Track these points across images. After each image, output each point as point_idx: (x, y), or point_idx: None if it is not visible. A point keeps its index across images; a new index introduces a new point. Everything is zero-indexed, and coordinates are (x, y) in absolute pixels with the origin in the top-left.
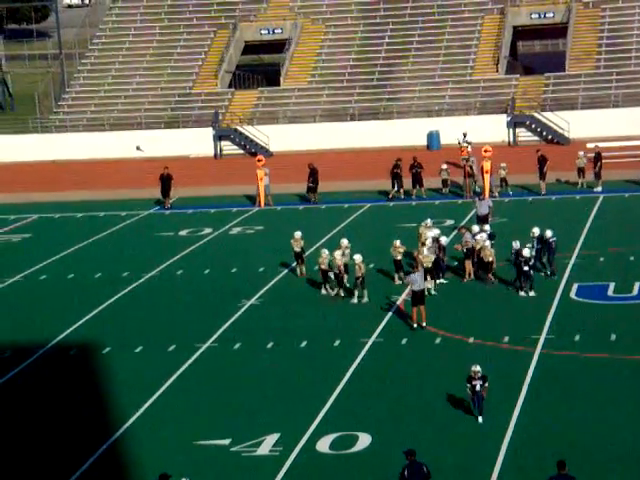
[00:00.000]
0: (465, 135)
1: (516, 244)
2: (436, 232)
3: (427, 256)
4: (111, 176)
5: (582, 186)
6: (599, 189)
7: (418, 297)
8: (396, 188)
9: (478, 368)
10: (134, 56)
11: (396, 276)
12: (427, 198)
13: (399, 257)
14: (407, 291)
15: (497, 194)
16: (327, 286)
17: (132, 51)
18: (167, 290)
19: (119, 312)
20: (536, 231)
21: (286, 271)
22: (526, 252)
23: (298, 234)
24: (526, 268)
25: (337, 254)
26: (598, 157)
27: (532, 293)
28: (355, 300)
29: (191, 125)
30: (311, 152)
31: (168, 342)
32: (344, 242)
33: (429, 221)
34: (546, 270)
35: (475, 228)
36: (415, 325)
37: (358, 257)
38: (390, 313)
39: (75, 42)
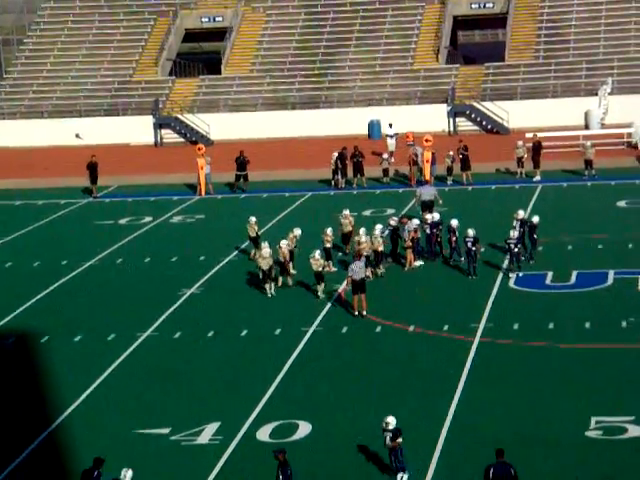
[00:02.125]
0: (391, 126)
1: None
2: (415, 222)
3: (365, 243)
4: (50, 164)
5: (521, 175)
6: (538, 178)
7: (358, 286)
8: (339, 176)
9: (389, 419)
10: (73, 43)
11: (325, 263)
12: (368, 187)
13: (328, 245)
14: (347, 280)
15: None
16: (267, 285)
17: (71, 38)
18: (107, 279)
19: (58, 301)
20: (520, 213)
21: (227, 260)
22: (512, 234)
23: (253, 219)
24: (515, 250)
25: (283, 243)
26: (538, 146)
27: (521, 274)
28: (320, 293)
29: (131, 113)
30: (252, 141)
31: (108, 331)
32: (297, 232)
33: (347, 212)
34: (526, 254)
35: (415, 221)
36: (356, 313)
37: (283, 242)
38: (331, 302)
39: (13, 28)
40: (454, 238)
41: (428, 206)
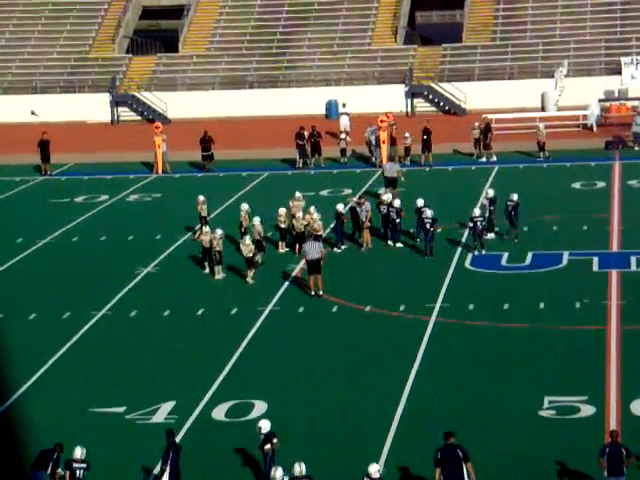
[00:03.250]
0: (344, 105)
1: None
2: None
3: (317, 222)
4: (5, 141)
5: (477, 157)
6: (493, 159)
7: (313, 266)
8: (298, 156)
9: (262, 423)
10: (29, 19)
11: (279, 244)
12: (325, 167)
13: (283, 225)
14: (302, 261)
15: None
16: (207, 264)
17: (27, 14)
18: (62, 257)
19: (13, 279)
20: (490, 192)
21: (183, 239)
22: (477, 211)
23: (201, 198)
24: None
25: (256, 220)
26: (487, 128)
27: (484, 252)
28: (250, 279)
29: (88, 90)
30: (209, 120)
31: (63, 309)
32: (244, 206)
33: (298, 194)
34: (493, 232)
35: (386, 197)
36: (312, 293)
37: (218, 231)
38: (287, 282)
39: None
40: (398, 220)
41: (391, 182)
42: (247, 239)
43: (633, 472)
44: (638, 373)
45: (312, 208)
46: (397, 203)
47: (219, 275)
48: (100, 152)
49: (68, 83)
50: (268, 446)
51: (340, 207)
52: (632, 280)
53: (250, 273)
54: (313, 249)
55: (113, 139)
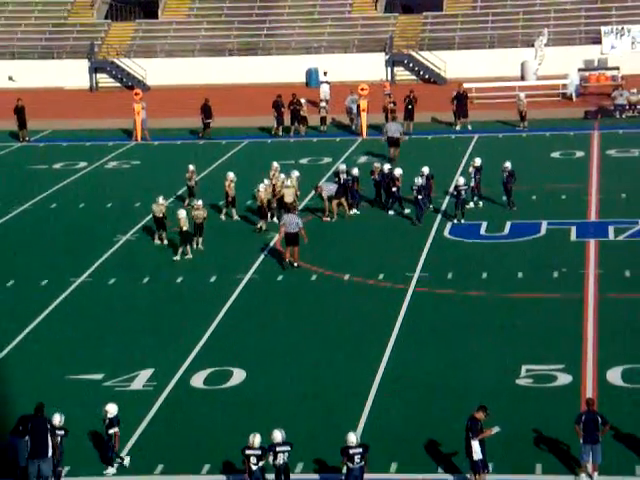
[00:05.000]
0: (325, 74)
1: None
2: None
3: (293, 188)
4: None
5: (457, 126)
6: (469, 128)
7: (291, 239)
8: (275, 124)
9: (108, 407)
10: None
11: (258, 222)
12: (305, 135)
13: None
14: (280, 232)
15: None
16: (183, 248)
17: None
18: (41, 224)
19: None
20: (477, 161)
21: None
22: (461, 180)
23: (191, 167)
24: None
25: (261, 187)
26: (463, 96)
27: (463, 220)
28: (177, 257)
29: (66, 56)
30: (188, 87)
31: (41, 276)
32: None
33: (275, 164)
34: (477, 201)
35: (386, 167)
36: (286, 262)
37: (182, 212)
38: (266, 251)
39: None
40: (394, 188)
41: (394, 142)
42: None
43: (608, 440)
44: (614, 342)
45: (294, 174)
46: (397, 172)
47: (200, 246)
48: (79, 119)
49: (46, 49)
50: (114, 430)
51: (355, 171)
52: (610, 249)
53: (184, 249)
54: (291, 222)
55: (92, 106)
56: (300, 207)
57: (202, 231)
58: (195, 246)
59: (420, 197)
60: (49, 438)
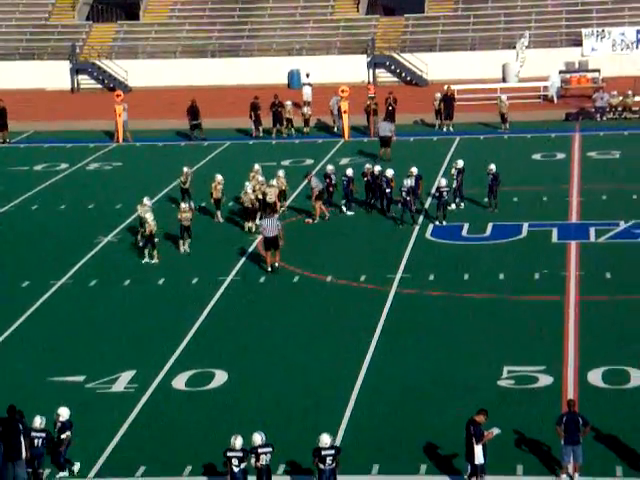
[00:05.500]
0: (308, 75)
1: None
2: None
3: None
4: None
5: (439, 128)
6: (452, 130)
7: (270, 243)
8: (253, 126)
9: (60, 411)
10: None
11: (246, 224)
12: (287, 137)
13: (249, 204)
14: (260, 237)
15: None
16: (147, 253)
17: None
18: (21, 226)
19: None
20: (459, 163)
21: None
22: (443, 182)
23: (186, 170)
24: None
25: (249, 189)
26: (450, 98)
27: (444, 222)
28: (147, 259)
29: (47, 58)
30: (170, 88)
31: (22, 278)
32: (218, 177)
33: (257, 166)
34: (458, 202)
35: (377, 168)
36: (269, 269)
37: (149, 216)
38: (248, 252)
39: None
40: (388, 190)
41: (385, 141)
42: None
43: (589, 441)
44: (595, 343)
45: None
46: (390, 173)
47: (186, 247)
48: (60, 120)
49: (27, 50)
50: (66, 434)
51: (349, 171)
52: (591, 251)
53: (153, 253)
54: (271, 226)
55: (73, 107)
56: (286, 204)
57: (189, 233)
58: (182, 248)
59: (408, 198)
60: (22, 440)
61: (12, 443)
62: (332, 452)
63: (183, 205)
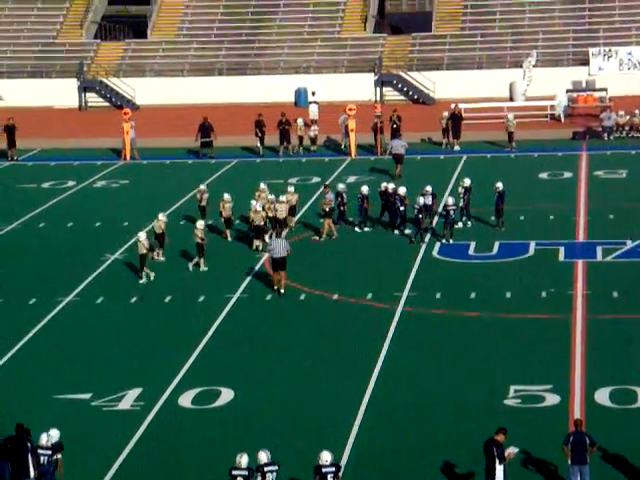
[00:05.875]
0: (314, 94)
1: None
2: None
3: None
4: None
5: (446, 146)
6: (457, 148)
7: (277, 264)
8: (258, 143)
9: (52, 432)
10: None
11: (254, 242)
12: (294, 155)
13: (260, 222)
14: (266, 256)
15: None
16: (143, 273)
17: None
18: (29, 243)
19: None
20: (466, 181)
21: (151, 225)
22: (450, 200)
23: (202, 187)
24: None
25: (258, 207)
26: (458, 117)
27: (451, 240)
28: (143, 280)
29: (55, 76)
30: (178, 106)
31: (29, 295)
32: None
33: (262, 185)
34: (465, 221)
35: (391, 186)
36: (275, 288)
37: (200, 223)
38: (255, 270)
39: None
40: (402, 207)
41: (398, 159)
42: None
43: (597, 461)
44: (602, 363)
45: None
46: (402, 191)
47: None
48: (67, 138)
49: (35, 68)
50: (57, 456)
51: (365, 189)
52: (598, 270)
53: (144, 273)
54: (279, 247)
55: (81, 125)
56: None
57: (202, 251)
58: (193, 266)
59: (420, 216)
60: (29, 458)
61: (20, 461)
62: (333, 469)
63: (199, 223)
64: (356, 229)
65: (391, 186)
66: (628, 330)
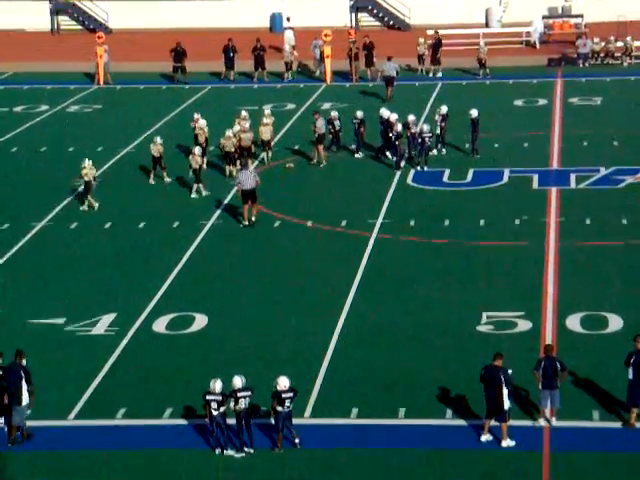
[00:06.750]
0: (289, 19)
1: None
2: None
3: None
4: None
5: (422, 72)
6: (439, 75)
7: (248, 195)
8: (224, 68)
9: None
10: None
11: (227, 168)
12: (269, 81)
13: (231, 148)
14: (236, 190)
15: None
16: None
17: None
18: (1, 167)
19: None
20: (443, 109)
21: (125, 151)
22: (425, 127)
23: (196, 116)
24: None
25: (230, 133)
26: (438, 44)
27: (426, 168)
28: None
29: None
30: (151, 30)
31: (2, 220)
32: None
33: (244, 112)
34: (440, 148)
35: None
36: (246, 223)
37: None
38: (230, 198)
39: None
40: (409, 133)
41: (389, 81)
42: (197, 150)
43: (567, 385)
44: (574, 290)
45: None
46: (394, 117)
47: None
48: (40, 61)
49: None
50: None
51: (359, 114)
52: (571, 197)
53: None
54: (248, 179)
55: (53, 48)
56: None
57: (199, 177)
58: (204, 192)
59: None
60: (23, 385)
61: (13, 388)
62: (291, 394)
63: (196, 149)
64: (356, 155)
65: (384, 111)
66: (600, 257)
